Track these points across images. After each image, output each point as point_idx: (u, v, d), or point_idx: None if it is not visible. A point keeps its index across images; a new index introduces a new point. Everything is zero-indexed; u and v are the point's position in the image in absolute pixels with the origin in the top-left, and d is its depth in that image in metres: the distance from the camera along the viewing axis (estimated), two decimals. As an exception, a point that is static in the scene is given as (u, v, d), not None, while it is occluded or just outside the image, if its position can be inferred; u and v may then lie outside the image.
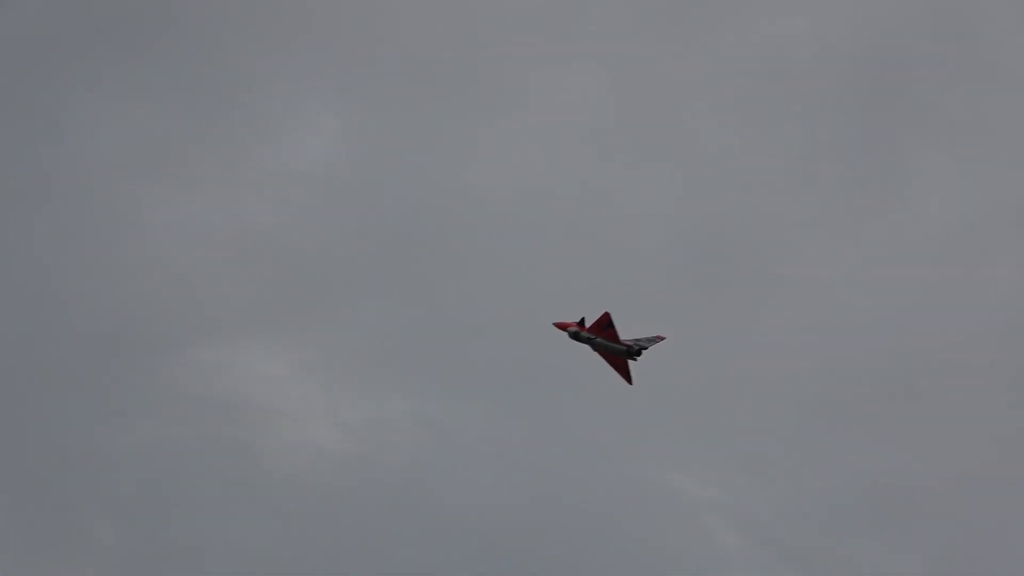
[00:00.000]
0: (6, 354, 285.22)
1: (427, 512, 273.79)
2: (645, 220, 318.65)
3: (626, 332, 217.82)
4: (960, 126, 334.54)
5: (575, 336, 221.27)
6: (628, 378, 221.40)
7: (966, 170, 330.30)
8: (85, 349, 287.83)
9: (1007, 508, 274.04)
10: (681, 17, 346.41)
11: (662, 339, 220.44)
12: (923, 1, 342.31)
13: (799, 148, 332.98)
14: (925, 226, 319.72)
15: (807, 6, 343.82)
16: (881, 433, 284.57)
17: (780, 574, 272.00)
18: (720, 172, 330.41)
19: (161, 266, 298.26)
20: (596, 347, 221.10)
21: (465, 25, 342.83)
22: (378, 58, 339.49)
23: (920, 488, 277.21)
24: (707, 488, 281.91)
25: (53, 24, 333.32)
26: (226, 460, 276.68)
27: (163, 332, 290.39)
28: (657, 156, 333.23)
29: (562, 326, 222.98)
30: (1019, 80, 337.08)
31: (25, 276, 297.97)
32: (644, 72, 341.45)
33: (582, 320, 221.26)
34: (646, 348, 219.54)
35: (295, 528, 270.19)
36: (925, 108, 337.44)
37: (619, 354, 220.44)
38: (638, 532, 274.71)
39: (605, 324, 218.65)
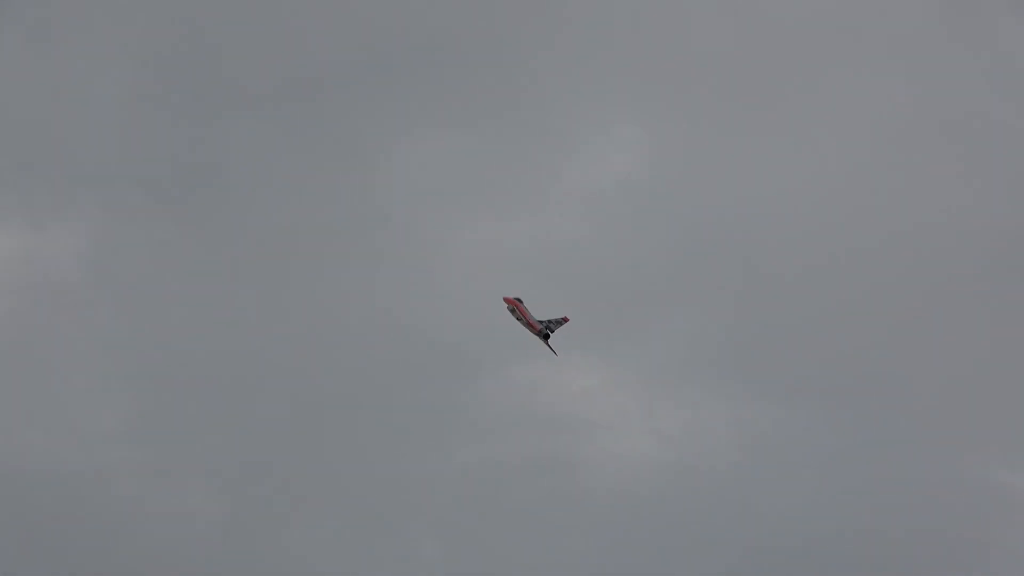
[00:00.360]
0: (332, 381, 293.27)
1: (747, 520, 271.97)
2: (943, 225, 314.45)
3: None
4: None
5: (512, 312, 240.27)
6: (553, 351, 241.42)
7: None
8: (405, 372, 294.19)
9: None
10: (974, 12, 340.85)
11: (567, 320, 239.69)
12: None
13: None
14: None
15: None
16: None
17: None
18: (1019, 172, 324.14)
19: (473, 287, 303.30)
20: (525, 326, 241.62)
21: (762, 33, 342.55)
22: (677, 69, 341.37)
23: None
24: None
25: (356, 57, 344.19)
26: (546, 475, 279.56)
27: (478, 352, 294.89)
28: (955, 158, 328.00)
29: (508, 301, 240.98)
30: None
31: (344, 305, 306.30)
32: (940, 71, 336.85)
33: (516, 299, 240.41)
34: (553, 330, 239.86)
35: (616, 539, 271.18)
36: None
37: (537, 334, 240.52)
38: (968, 535, 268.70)
39: (521, 310, 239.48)
